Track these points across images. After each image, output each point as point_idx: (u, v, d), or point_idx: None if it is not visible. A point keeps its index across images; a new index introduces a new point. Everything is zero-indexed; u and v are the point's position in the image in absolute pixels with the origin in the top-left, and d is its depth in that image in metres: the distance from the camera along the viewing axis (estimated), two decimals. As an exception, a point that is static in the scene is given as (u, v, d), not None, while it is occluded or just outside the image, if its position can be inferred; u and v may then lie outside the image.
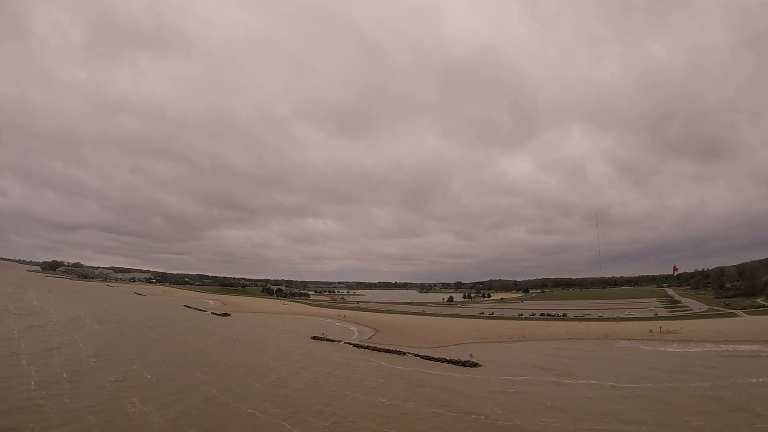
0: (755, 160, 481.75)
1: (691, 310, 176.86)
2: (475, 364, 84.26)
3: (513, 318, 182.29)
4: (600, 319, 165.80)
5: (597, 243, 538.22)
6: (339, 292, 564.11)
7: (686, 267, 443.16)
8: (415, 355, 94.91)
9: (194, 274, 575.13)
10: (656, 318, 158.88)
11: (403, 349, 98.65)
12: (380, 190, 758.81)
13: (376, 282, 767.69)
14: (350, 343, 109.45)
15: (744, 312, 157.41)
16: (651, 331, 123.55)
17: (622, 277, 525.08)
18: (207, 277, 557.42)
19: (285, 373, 74.71)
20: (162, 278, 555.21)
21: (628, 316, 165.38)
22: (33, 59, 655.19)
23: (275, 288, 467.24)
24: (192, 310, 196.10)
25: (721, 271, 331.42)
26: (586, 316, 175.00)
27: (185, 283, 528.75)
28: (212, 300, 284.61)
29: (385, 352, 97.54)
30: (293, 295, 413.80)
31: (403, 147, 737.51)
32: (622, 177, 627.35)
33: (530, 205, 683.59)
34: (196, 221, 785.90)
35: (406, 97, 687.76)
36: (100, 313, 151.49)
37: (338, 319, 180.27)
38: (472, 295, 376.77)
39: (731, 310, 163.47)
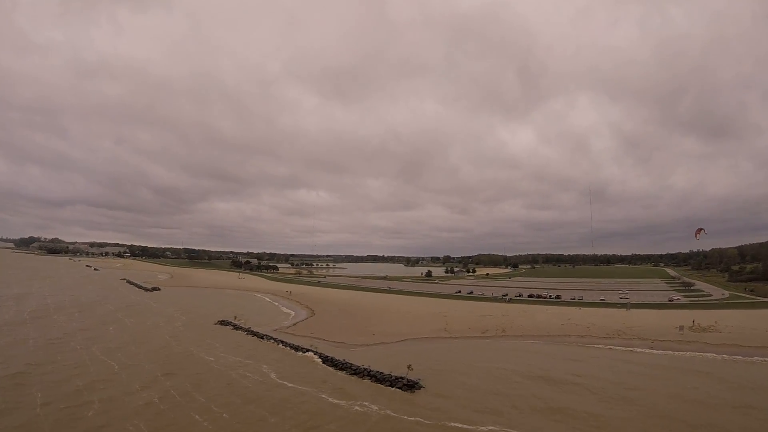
0: (761, 142, 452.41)
1: (711, 296, 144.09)
2: (412, 385, 51.77)
3: (495, 300, 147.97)
4: (603, 304, 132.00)
5: (591, 220, 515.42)
6: (318, 265, 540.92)
7: (680, 248, 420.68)
8: (324, 360, 63.38)
9: (180, 248, 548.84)
10: (674, 305, 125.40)
11: (318, 346, 71.64)
12: (376, 160, 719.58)
13: (365, 255, 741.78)
14: (255, 333, 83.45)
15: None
16: (681, 328, 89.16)
17: (614, 255, 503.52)
18: (193, 252, 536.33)
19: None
20: (142, 252, 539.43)
21: (638, 302, 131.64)
22: (7, 22, 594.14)
23: (244, 261, 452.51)
24: (128, 284, 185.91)
25: (721, 253, 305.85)
26: (584, 300, 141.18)
27: (162, 256, 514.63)
28: (165, 274, 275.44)
29: (292, 348, 71.36)
30: (263, 268, 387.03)
31: (401, 114, 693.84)
32: (626, 152, 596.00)
33: (529, 180, 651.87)
34: (185, 194, 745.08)
35: (408, 56, 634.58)
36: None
37: (282, 296, 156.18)
38: (456, 269, 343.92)
39: (763, 299, 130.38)
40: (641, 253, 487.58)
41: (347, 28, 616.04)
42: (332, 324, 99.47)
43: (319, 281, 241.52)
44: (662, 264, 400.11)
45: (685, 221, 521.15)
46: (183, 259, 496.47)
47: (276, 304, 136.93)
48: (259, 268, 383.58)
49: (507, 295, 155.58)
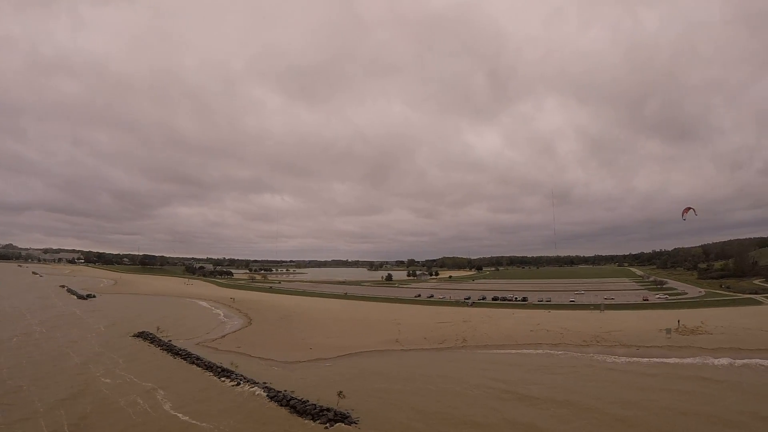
0: (723, 144, 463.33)
1: (686, 294, 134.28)
2: (341, 419, 39.44)
3: (456, 304, 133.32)
4: (574, 306, 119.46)
5: (554, 222, 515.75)
6: (279, 270, 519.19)
7: (642, 248, 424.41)
8: (239, 383, 50.74)
9: (140, 254, 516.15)
10: (650, 305, 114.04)
11: (240, 364, 59.51)
12: (342, 163, 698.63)
13: (329, 260, 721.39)
14: (171, 349, 70.08)
15: (765, 297, 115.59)
16: (669, 331, 76.29)
17: (577, 256, 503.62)
18: (152, 258, 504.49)
19: None
20: (99, 258, 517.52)
21: (612, 303, 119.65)
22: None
23: (198, 266, 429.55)
24: (66, 292, 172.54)
25: (686, 252, 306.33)
26: (552, 302, 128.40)
27: (119, 263, 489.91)
28: (111, 280, 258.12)
29: (206, 367, 58.28)
30: (217, 274, 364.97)
31: (368, 115, 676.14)
32: (591, 155, 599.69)
33: (495, 183, 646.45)
34: (146, 198, 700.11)
35: (377, 56, 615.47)
36: None
37: (224, 304, 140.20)
38: (418, 273, 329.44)
39: (747, 296, 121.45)
40: (604, 254, 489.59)
41: (315, 25, 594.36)
42: (267, 336, 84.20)
43: (271, 287, 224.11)
44: (626, 264, 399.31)
45: (648, 222, 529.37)
46: (137, 265, 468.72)
47: (214, 311, 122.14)
48: (213, 274, 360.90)
49: (470, 298, 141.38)
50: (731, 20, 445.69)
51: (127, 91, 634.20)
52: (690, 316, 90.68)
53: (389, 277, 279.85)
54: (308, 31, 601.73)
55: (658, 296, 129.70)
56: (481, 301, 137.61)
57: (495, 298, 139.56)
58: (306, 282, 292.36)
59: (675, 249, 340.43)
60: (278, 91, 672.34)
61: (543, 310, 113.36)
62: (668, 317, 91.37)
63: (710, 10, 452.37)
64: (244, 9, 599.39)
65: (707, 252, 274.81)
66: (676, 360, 61.02)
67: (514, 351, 69.69)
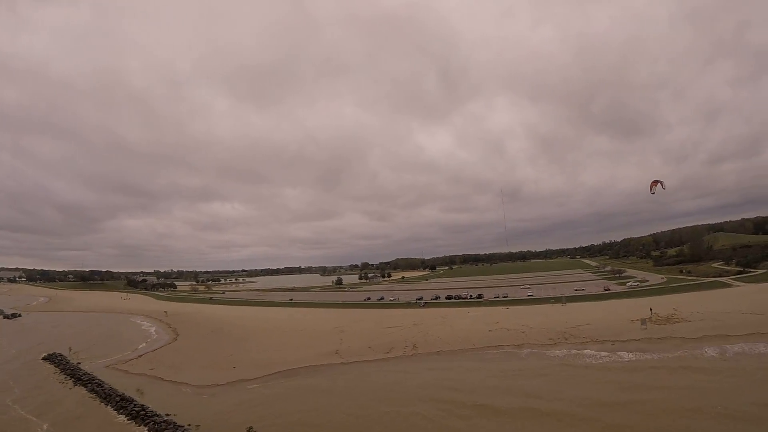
0: (670, 138, 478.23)
1: (647, 281, 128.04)
2: None
3: (408, 305, 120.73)
4: (533, 300, 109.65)
5: (504, 220, 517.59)
6: (227, 280, 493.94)
7: (591, 241, 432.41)
8: (134, 417, 42.03)
9: (87, 271, 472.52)
10: (613, 295, 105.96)
11: (146, 390, 51.35)
12: (293, 167, 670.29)
13: (281, 268, 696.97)
14: (73, 373, 60.46)
15: (732, 279, 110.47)
16: (644, 321, 66.42)
17: (529, 251, 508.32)
18: (98, 273, 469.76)
19: None
20: (42, 276, 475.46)
21: (573, 295, 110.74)
22: None
23: (140, 279, 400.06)
24: None
25: (636, 241, 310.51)
26: (510, 298, 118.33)
27: (63, 280, 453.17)
28: (46, 297, 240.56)
29: (102, 398, 48.48)
30: (159, 286, 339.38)
31: (320, 117, 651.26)
32: (541, 153, 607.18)
33: (447, 183, 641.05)
34: (92, 211, 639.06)
35: (328, 55, 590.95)
36: None
37: (155, 318, 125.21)
38: (370, 275, 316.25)
39: (711, 279, 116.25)
40: (555, 248, 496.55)
41: (265, 23, 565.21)
42: (189, 353, 72.96)
43: (211, 297, 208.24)
44: (577, 256, 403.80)
45: (596, 216, 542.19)
46: (78, 281, 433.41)
47: (143, 327, 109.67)
48: (155, 287, 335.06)
49: (422, 298, 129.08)
50: (678, 18, 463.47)
51: (69, 96, 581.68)
52: (659, 304, 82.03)
53: (339, 281, 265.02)
54: (258, 30, 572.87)
55: (629, 284, 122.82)
56: (435, 300, 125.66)
57: (449, 297, 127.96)
58: (253, 291, 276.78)
59: (624, 240, 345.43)
60: (227, 94, 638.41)
61: (500, 307, 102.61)
62: (636, 307, 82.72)
63: (658, 7, 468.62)
64: (191, 6, 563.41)
65: (657, 241, 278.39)
66: (661, 354, 51.02)
67: (472, 355, 57.75)
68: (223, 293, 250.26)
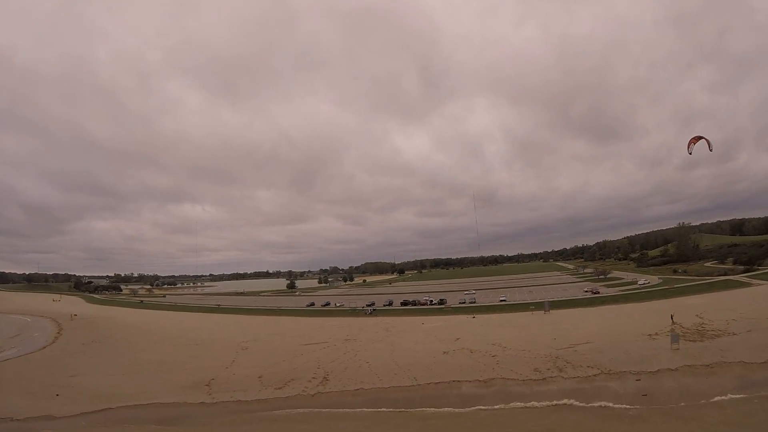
0: (645, 143, 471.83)
1: (639, 282, 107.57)
2: None
3: (353, 313, 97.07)
4: (506, 306, 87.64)
5: (476, 224, 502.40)
6: (184, 285, 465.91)
7: (563, 245, 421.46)
8: None
9: (50, 274, 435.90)
10: (608, 300, 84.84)
11: None
12: (266, 168, 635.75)
13: (250, 272, 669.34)
14: None
15: (744, 277, 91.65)
16: (673, 337, 44.17)
17: (501, 255, 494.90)
18: (62, 276, 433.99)
19: None
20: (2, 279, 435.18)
21: (561, 299, 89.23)
22: None
23: (86, 281, 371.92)
24: None
25: (611, 244, 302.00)
26: (478, 304, 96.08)
27: (14, 282, 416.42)
28: None
29: None
30: (104, 289, 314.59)
31: (295, 115, 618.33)
32: (517, 156, 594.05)
33: (422, 186, 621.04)
34: (58, 211, 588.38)
35: (306, 48, 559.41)
36: None
37: (60, 321, 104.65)
38: (330, 279, 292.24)
39: (721, 278, 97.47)
40: (527, 253, 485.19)
41: (241, 13, 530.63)
42: (31, 372, 54.29)
43: (141, 301, 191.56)
44: (551, 260, 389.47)
45: (568, 220, 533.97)
46: (23, 283, 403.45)
47: (35, 335, 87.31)
48: (98, 289, 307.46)
49: (373, 304, 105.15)
50: (661, 20, 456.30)
51: (34, 88, 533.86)
52: (673, 310, 60.59)
53: (291, 285, 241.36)
54: (233, 19, 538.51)
55: (641, 282, 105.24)
56: (387, 307, 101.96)
57: (404, 303, 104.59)
58: (201, 294, 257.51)
59: (596, 243, 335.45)
60: (198, 87, 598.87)
61: (465, 315, 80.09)
62: (643, 314, 61.86)
63: (642, 9, 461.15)
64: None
65: (632, 243, 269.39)
66: (729, 395, 28.99)
67: (403, 401, 34.52)
68: (164, 297, 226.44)
